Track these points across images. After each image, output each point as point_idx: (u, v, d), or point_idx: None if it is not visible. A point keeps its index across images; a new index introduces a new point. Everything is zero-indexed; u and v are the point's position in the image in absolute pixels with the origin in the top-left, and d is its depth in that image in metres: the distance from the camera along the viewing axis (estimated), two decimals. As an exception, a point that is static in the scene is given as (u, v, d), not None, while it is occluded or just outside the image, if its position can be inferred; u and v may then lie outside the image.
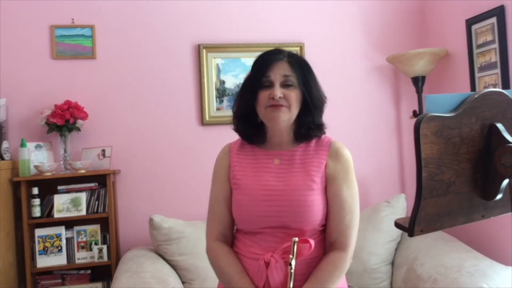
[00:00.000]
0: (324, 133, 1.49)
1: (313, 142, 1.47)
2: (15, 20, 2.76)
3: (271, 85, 1.41)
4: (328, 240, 1.42)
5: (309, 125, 1.44)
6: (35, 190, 2.58)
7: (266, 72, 1.41)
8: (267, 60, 1.43)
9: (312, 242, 1.35)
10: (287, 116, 1.41)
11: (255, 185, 1.42)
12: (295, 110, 1.42)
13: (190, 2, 2.96)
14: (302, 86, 1.42)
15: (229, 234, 1.50)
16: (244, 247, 1.44)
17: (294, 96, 1.41)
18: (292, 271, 1.30)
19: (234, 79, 3.00)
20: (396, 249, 2.73)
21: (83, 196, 2.62)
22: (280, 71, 1.41)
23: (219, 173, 1.51)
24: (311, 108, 1.43)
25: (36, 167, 2.57)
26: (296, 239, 1.31)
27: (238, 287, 1.37)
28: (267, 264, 1.35)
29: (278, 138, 1.47)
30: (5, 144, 2.61)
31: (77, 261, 2.62)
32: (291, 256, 1.30)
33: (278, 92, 1.39)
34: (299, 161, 1.44)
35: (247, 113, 1.47)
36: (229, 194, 1.48)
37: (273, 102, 1.39)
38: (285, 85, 1.41)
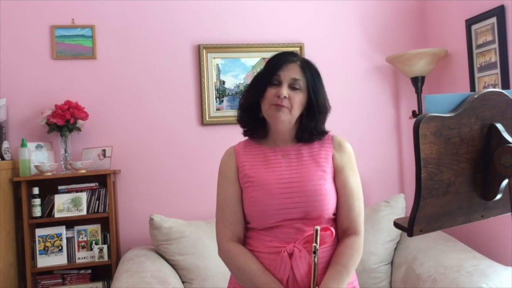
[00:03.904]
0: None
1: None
2: (15, 20, 2.77)
3: (279, 84, 1.46)
4: (341, 227, 1.49)
5: (311, 130, 1.50)
6: (36, 190, 2.58)
7: (277, 71, 1.46)
8: (280, 59, 1.49)
9: (332, 229, 1.42)
10: (288, 117, 1.46)
11: (269, 180, 1.45)
12: (296, 113, 1.47)
13: (190, 2, 2.96)
14: (310, 90, 1.47)
15: (241, 235, 1.51)
16: (261, 243, 1.45)
17: (298, 99, 1.46)
18: (317, 259, 1.34)
19: (234, 79, 3.01)
20: (396, 249, 2.73)
21: (83, 196, 2.63)
22: (290, 73, 1.46)
23: (227, 174, 1.52)
24: (315, 113, 1.48)
25: (36, 167, 2.58)
26: (319, 227, 1.35)
27: (261, 283, 1.38)
28: (290, 255, 1.39)
29: (280, 136, 1.52)
30: (5, 144, 2.62)
31: (77, 261, 2.62)
32: (314, 244, 1.33)
33: (285, 91, 1.44)
34: (307, 154, 1.50)
35: (251, 107, 1.52)
36: (239, 195, 1.50)
37: (277, 101, 1.44)
38: (292, 87, 1.46)
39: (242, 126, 1.57)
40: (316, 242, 1.34)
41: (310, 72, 1.49)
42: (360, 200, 1.50)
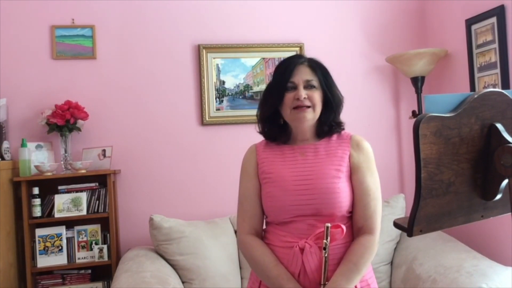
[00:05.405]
0: (343, 129, 1.61)
1: (334, 137, 1.59)
2: (15, 20, 2.76)
3: (295, 88, 1.51)
4: (355, 225, 1.51)
5: (330, 123, 1.56)
6: (36, 190, 2.58)
7: (290, 77, 1.52)
8: (289, 65, 1.54)
9: (343, 227, 1.44)
10: (312, 116, 1.52)
11: (285, 177, 1.51)
12: (318, 110, 1.53)
13: (190, 2, 2.96)
14: (324, 87, 1.53)
15: (259, 229, 1.58)
16: (276, 237, 1.51)
17: (317, 96, 1.52)
18: (327, 255, 1.38)
19: (234, 79, 3.01)
20: (395, 249, 2.73)
21: (83, 196, 2.63)
22: (302, 76, 1.52)
23: (248, 170, 1.59)
24: (333, 106, 1.55)
25: (36, 167, 2.58)
26: (329, 224, 1.39)
27: (274, 274, 1.44)
28: (302, 250, 1.44)
29: (301, 136, 1.57)
30: (5, 144, 2.62)
31: (77, 261, 2.62)
32: (325, 241, 1.38)
33: (303, 93, 1.50)
34: (324, 152, 1.55)
35: (271, 116, 1.58)
36: (258, 190, 1.56)
37: (298, 103, 1.50)
38: (308, 86, 1.52)
39: (265, 137, 1.62)
40: (326, 239, 1.38)
41: (320, 70, 1.55)
42: (376, 199, 1.51)
